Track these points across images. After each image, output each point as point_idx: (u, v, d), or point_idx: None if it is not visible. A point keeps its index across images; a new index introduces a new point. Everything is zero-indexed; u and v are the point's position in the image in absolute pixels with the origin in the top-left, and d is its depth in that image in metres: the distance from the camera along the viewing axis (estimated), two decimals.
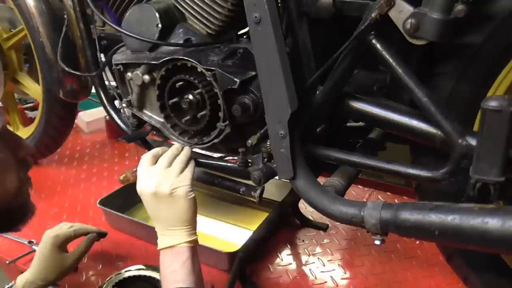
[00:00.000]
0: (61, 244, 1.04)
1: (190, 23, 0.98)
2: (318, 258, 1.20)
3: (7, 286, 0.99)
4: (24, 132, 1.69)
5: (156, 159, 0.88)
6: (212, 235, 1.28)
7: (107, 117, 1.39)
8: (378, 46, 0.75)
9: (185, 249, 0.83)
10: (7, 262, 1.21)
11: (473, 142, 0.69)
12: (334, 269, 1.16)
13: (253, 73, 0.86)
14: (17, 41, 1.55)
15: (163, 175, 0.84)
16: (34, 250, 1.23)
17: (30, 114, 1.93)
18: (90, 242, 1.10)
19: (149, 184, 0.84)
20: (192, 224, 0.86)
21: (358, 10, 0.76)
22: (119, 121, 1.23)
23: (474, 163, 0.67)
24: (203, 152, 1.07)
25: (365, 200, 1.21)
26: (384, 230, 0.72)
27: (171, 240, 0.84)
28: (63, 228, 1.07)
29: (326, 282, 1.12)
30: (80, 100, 1.50)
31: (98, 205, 1.31)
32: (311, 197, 0.82)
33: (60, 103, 1.49)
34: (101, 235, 1.15)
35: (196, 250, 0.85)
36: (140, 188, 0.86)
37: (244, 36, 0.98)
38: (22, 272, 1.23)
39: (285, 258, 1.21)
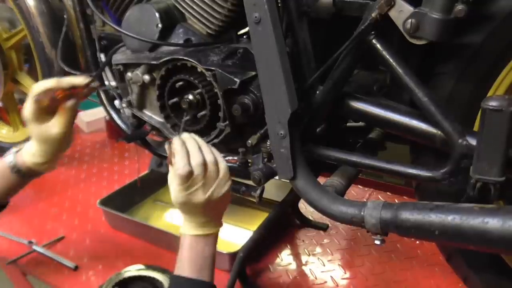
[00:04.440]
0: (41, 114, 0.89)
1: (190, 23, 0.98)
2: (318, 258, 1.20)
3: (15, 149, 0.95)
4: (24, 132, 1.69)
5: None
6: None
7: (107, 117, 1.38)
8: (378, 46, 0.75)
9: (215, 238, 0.86)
10: (7, 262, 1.21)
11: (473, 142, 0.69)
12: (334, 269, 1.16)
13: (253, 73, 0.86)
14: (17, 41, 1.55)
15: (207, 185, 0.80)
16: (34, 250, 1.23)
17: None
18: (72, 108, 0.91)
19: (196, 197, 0.80)
20: (223, 212, 0.88)
21: (358, 10, 0.76)
22: (119, 121, 1.23)
23: (474, 163, 0.67)
24: None
25: (365, 200, 1.21)
26: (384, 230, 0.72)
27: (207, 229, 0.85)
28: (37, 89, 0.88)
29: (326, 282, 1.12)
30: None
31: (98, 205, 1.31)
32: (311, 197, 0.82)
33: None
34: (90, 88, 0.93)
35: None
36: (183, 202, 0.81)
37: (244, 36, 0.98)
38: (22, 272, 1.23)
39: (285, 258, 1.21)
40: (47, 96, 0.86)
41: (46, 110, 0.89)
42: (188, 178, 0.79)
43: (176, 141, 0.82)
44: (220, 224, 0.88)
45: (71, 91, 0.88)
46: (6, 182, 0.96)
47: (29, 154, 0.93)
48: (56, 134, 0.90)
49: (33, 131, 0.91)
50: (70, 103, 0.89)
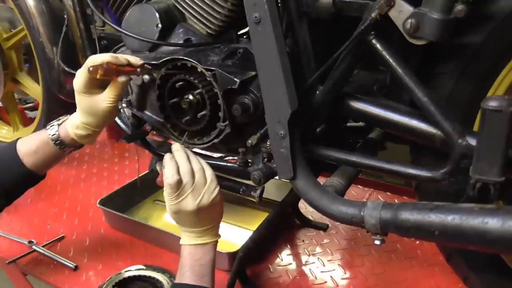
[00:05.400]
0: (91, 87, 0.90)
1: (190, 23, 0.98)
2: (318, 258, 1.20)
3: (57, 122, 0.97)
4: (24, 132, 1.69)
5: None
6: None
7: None
8: (378, 46, 0.75)
9: (214, 246, 0.90)
10: (7, 262, 1.21)
11: (473, 142, 0.69)
12: (334, 269, 1.16)
13: (253, 73, 0.86)
14: (17, 41, 1.55)
15: (197, 192, 0.85)
16: (34, 250, 1.23)
17: (30, 114, 1.93)
18: (124, 83, 0.91)
19: (187, 204, 0.84)
20: (220, 222, 0.92)
21: (358, 10, 0.76)
22: (119, 121, 1.23)
23: (474, 163, 0.67)
24: (203, 152, 1.07)
25: (365, 200, 1.21)
26: (384, 230, 0.72)
27: (205, 239, 0.88)
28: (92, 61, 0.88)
29: (326, 282, 1.12)
30: None
31: (98, 205, 1.31)
32: (311, 197, 0.82)
33: (60, 103, 1.50)
34: (142, 69, 0.93)
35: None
36: (176, 211, 0.86)
37: (244, 36, 0.98)
38: (22, 272, 1.23)
39: (285, 258, 1.21)
40: (102, 69, 0.86)
41: (96, 84, 0.90)
42: (177, 187, 0.83)
43: (166, 156, 0.88)
44: (218, 235, 0.91)
45: (125, 69, 0.89)
46: (47, 153, 0.97)
47: (73, 126, 0.94)
48: (105, 107, 0.91)
49: (81, 103, 0.92)
50: (123, 78, 0.89)
